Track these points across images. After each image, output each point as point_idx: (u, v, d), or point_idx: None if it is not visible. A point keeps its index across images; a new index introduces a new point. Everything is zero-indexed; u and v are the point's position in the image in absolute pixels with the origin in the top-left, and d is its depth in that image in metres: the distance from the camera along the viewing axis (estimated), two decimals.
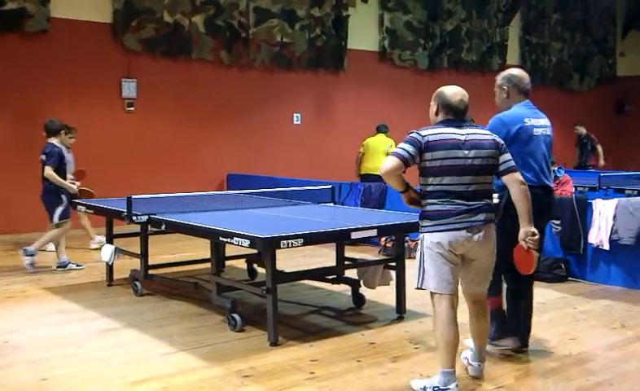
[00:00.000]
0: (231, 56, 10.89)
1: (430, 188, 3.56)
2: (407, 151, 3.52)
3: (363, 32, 12.50)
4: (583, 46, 16.40)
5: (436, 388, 3.57)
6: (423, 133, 3.56)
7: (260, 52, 11.19)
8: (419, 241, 3.65)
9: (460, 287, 3.71)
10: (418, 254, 3.65)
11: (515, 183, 3.66)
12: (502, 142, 3.71)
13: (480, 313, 3.81)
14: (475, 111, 4.75)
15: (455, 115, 3.62)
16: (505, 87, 4.31)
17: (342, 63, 12.14)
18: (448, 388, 3.53)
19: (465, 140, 3.55)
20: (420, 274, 3.62)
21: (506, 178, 3.66)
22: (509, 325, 4.33)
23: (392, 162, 3.52)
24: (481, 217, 3.55)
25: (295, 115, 11.82)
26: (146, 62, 10.05)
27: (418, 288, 3.65)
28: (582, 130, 12.74)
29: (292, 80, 11.66)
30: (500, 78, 4.36)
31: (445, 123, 3.61)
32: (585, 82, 16.51)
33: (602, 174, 8.75)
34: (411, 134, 3.59)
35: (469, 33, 13.96)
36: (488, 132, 3.72)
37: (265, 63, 11.28)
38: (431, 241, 3.55)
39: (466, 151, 3.53)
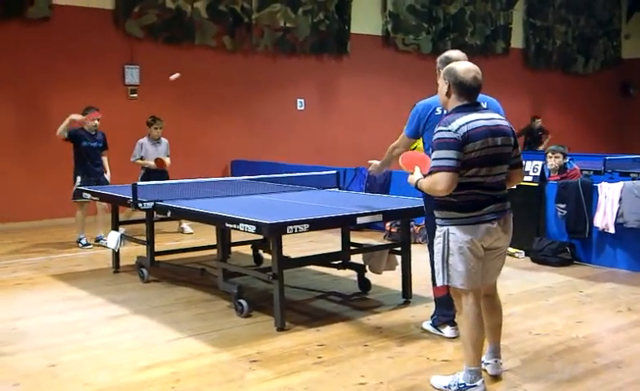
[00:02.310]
0: (234, 42, 10.84)
1: (464, 180, 3.26)
2: (454, 159, 3.19)
3: (366, 17, 12.42)
4: (587, 29, 16.27)
5: (462, 386, 3.41)
6: (454, 126, 3.23)
7: (264, 37, 11.14)
8: (441, 235, 3.38)
9: None
10: (439, 248, 3.38)
11: (519, 177, 3.57)
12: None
13: (494, 307, 3.61)
14: None
15: (470, 94, 3.36)
16: (440, 70, 4.16)
17: (345, 47, 12.07)
18: (475, 385, 3.39)
19: (492, 125, 3.32)
20: (444, 270, 3.38)
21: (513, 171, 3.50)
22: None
23: (448, 179, 3.19)
24: (507, 205, 3.42)
25: (298, 100, 11.78)
26: (148, 48, 10.01)
27: (442, 286, 3.45)
28: (538, 123, 13.51)
29: (296, 65, 11.61)
30: (438, 61, 4.22)
31: (465, 109, 3.33)
32: (590, 65, 16.40)
33: (607, 158, 8.73)
34: (441, 135, 3.25)
35: (473, 17, 13.86)
36: (504, 117, 3.51)
37: (269, 48, 11.23)
38: (461, 235, 3.31)
39: (496, 139, 3.30)
